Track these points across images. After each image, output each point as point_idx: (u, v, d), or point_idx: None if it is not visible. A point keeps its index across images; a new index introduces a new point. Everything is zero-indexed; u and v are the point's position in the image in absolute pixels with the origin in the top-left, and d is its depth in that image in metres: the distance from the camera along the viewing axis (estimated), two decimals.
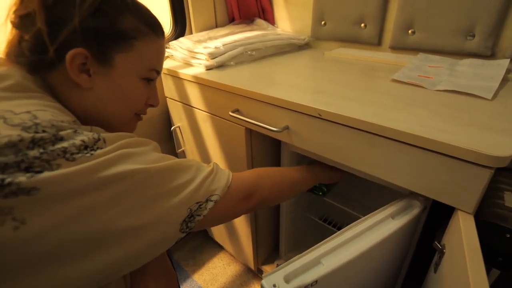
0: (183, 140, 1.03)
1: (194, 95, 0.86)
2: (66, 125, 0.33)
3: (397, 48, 0.89)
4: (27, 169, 0.28)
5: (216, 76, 0.78)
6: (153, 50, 0.45)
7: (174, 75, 0.90)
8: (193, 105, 0.89)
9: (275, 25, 1.17)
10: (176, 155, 1.13)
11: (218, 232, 1.18)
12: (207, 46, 0.87)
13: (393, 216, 0.56)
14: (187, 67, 0.89)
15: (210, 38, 0.97)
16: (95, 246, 0.30)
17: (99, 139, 0.34)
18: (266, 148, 0.86)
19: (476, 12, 0.72)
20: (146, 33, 0.43)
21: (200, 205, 0.40)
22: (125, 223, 0.32)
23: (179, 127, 1.01)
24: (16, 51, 0.39)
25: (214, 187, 0.43)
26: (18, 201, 0.26)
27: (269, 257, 1.12)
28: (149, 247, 0.35)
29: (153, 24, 0.44)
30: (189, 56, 0.90)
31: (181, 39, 0.98)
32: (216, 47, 0.85)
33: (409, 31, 0.84)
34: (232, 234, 1.08)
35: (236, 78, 0.76)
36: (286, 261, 0.47)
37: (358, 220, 0.53)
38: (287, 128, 0.65)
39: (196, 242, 1.30)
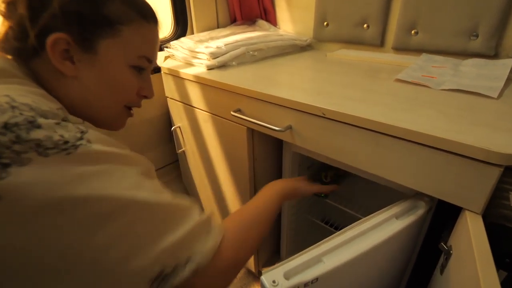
0: (184, 141, 1.02)
1: (195, 95, 0.85)
2: (49, 112, 0.30)
3: (400, 49, 0.89)
4: None
5: (217, 76, 0.77)
6: (143, 36, 0.42)
7: (175, 75, 0.89)
8: (194, 105, 0.88)
9: (277, 27, 1.17)
10: (176, 155, 1.12)
11: None
12: (208, 46, 0.86)
13: (397, 216, 0.55)
14: (188, 67, 0.88)
15: (212, 38, 0.96)
16: (44, 278, 0.26)
17: (82, 138, 0.30)
18: (268, 149, 0.85)
19: (479, 12, 0.72)
20: (134, 18, 0.41)
21: (176, 267, 0.32)
22: (89, 255, 0.27)
23: (179, 127, 1.00)
24: (3, 39, 0.38)
25: (196, 249, 0.34)
26: None
27: (270, 260, 1.11)
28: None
29: (143, 9, 0.42)
30: (190, 56, 0.90)
31: (182, 39, 0.97)
32: (217, 47, 0.85)
33: (412, 32, 0.84)
34: None
35: (238, 78, 0.76)
36: (287, 259, 0.46)
37: (361, 220, 0.53)
38: (290, 127, 0.64)
39: None
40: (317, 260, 0.47)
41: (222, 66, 0.86)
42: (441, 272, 0.52)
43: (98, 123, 0.43)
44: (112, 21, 0.39)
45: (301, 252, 0.47)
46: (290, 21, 1.12)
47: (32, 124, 0.27)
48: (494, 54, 0.74)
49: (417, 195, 0.57)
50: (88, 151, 0.29)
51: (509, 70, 0.66)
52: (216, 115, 0.82)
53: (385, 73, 0.76)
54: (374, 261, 0.54)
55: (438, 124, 0.47)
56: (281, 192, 0.57)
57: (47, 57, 0.37)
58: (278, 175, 0.90)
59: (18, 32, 0.37)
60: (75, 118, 0.35)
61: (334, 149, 0.59)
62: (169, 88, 0.96)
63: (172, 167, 1.19)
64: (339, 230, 0.52)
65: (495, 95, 0.57)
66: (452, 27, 0.77)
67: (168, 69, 0.91)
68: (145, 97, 0.48)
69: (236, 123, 0.77)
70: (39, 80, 0.38)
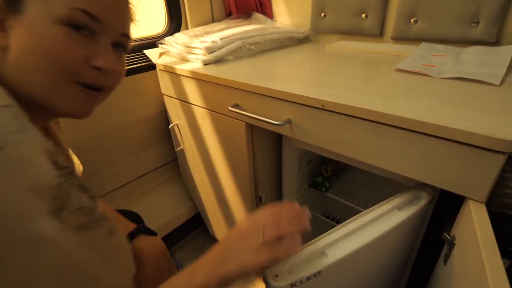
0: (182, 138, 1.01)
1: (192, 91, 0.84)
2: None
3: (399, 38, 0.87)
4: None
5: (214, 71, 0.76)
6: None
7: (170, 71, 0.88)
8: (191, 101, 0.87)
9: (274, 19, 1.15)
10: (175, 153, 1.11)
11: (220, 231, 1.16)
12: (204, 41, 0.84)
13: (399, 207, 0.54)
14: (184, 63, 0.86)
15: (207, 33, 0.94)
16: None
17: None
18: (267, 145, 0.84)
19: None
20: None
21: None
22: None
23: (177, 125, 0.98)
24: None
25: None
26: None
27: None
28: None
29: None
30: (185, 52, 0.88)
31: (176, 34, 0.95)
32: (213, 41, 0.83)
33: (412, 21, 0.82)
34: None
35: (235, 72, 0.74)
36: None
37: (363, 212, 0.52)
38: (289, 121, 0.63)
39: (198, 242, 1.28)
40: (319, 253, 0.46)
41: (218, 61, 0.84)
42: (445, 262, 0.52)
43: (49, 109, 0.36)
44: None
45: (303, 246, 0.46)
46: (287, 13, 1.10)
47: None
48: (495, 41, 0.73)
49: (419, 186, 0.56)
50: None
51: (511, 57, 0.64)
52: (213, 111, 0.81)
53: (385, 64, 0.74)
54: (376, 252, 0.54)
55: (440, 113, 0.46)
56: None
57: None
58: (278, 170, 0.89)
59: None
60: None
61: (334, 142, 0.58)
62: (165, 85, 0.94)
63: (171, 166, 1.18)
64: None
65: (497, 82, 0.56)
66: (453, 15, 0.75)
67: (164, 65, 0.89)
68: (98, 68, 0.36)
69: (235, 118, 0.75)
70: None
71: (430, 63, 0.69)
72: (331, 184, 0.94)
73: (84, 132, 0.87)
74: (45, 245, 0.25)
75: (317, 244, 0.46)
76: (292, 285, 0.41)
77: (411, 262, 0.71)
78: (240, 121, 0.74)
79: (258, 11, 1.16)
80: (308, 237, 0.48)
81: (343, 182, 1.01)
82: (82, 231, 0.29)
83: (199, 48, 0.83)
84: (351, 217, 0.51)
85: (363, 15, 0.91)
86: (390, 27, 0.88)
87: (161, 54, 0.98)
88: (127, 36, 0.40)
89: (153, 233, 0.54)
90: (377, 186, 0.97)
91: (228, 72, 0.74)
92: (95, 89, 0.37)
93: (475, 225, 0.41)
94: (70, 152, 0.53)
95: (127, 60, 0.92)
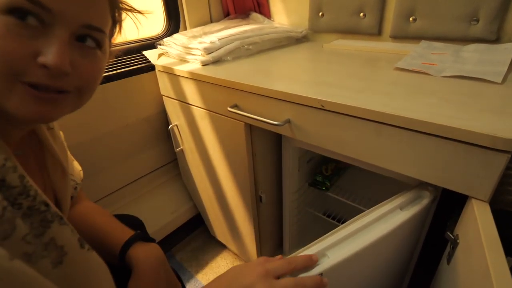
0: (181, 139, 1.00)
1: (191, 92, 0.84)
2: None
3: (398, 37, 0.87)
4: None
5: (212, 72, 0.75)
6: None
7: (169, 72, 0.87)
8: (190, 102, 0.86)
9: (271, 19, 1.14)
10: (174, 154, 1.10)
11: (221, 231, 1.16)
12: (202, 41, 0.84)
13: (401, 207, 0.54)
14: (183, 64, 0.86)
15: (205, 33, 0.94)
16: None
17: None
18: (267, 144, 0.83)
19: None
20: None
21: None
22: None
23: (176, 125, 0.98)
24: None
25: None
26: None
27: (273, 255, 1.09)
28: None
29: None
30: (184, 52, 0.88)
31: (175, 35, 0.95)
32: (211, 42, 0.83)
33: (410, 19, 0.82)
34: (235, 232, 1.06)
35: (233, 72, 0.74)
36: (290, 254, 0.45)
37: (365, 212, 0.52)
38: (288, 121, 0.62)
39: (199, 243, 1.28)
40: (321, 254, 0.46)
41: (217, 61, 0.84)
42: (448, 261, 0.51)
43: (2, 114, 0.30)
44: None
45: (305, 247, 0.46)
46: (284, 13, 1.10)
47: None
48: (495, 38, 0.72)
49: (421, 185, 0.56)
50: None
51: (511, 55, 0.64)
52: (213, 112, 0.80)
53: (384, 62, 0.74)
54: (379, 253, 0.53)
55: (441, 112, 0.45)
56: None
57: None
58: (278, 170, 0.89)
59: None
60: None
61: (334, 142, 0.57)
62: (164, 86, 0.94)
63: (171, 166, 1.18)
64: (341, 223, 0.51)
65: (499, 80, 0.55)
66: (452, 12, 0.75)
67: (163, 66, 0.89)
68: (44, 66, 0.29)
69: (234, 119, 0.75)
70: None
71: (430, 61, 0.69)
72: (331, 183, 0.94)
73: (83, 134, 0.86)
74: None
75: (319, 246, 0.46)
76: None
77: (413, 262, 0.70)
78: (239, 122, 0.74)
79: (255, 11, 1.15)
80: (310, 237, 0.47)
81: (344, 181, 1.00)
82: (30, 261, 0.25)
83: (197, 49, 0.83)
84: (353, 216, 0.51)
85: (361, 14, 0.90)
86: (389, 25, 0.88)
87: (160, 55, 0.97)
88: (94, 28, 0.32)
89: (151, 240, 0.53)
90: (378, 184, 0.97)
91: (227, 73, 0.74)
92: (51, 90, 0.31)
93: (478, 225, 0.40)
94: (71, 158, 0.53)
95: (126, 61, 0.93)
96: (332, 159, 1.00)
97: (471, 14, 0.72)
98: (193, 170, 1.06)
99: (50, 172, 0.43)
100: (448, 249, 0.53)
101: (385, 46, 0.86)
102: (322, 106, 0.54)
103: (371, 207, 0.53)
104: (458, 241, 0.48)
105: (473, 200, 0.45)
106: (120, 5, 0.37)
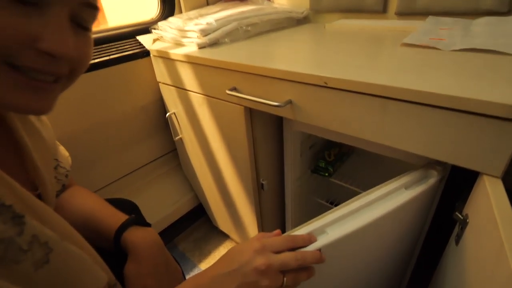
0: (180, 127, 0.98)
1: (188, 77, 0.81)
2: None
3: (404, 13, 0.83)
4: None
5: (209, 54, 0.72)
6: None
7: (165, 57, 0.84)
8: (187, 88, 0.83)
9: (271, 0, 1.10)
10: (173, 144, 1.08)
11: (223, 221, 1.14)
12: (198, 23, 0.80)
13: (406, 186, 0.51)
14: (178, 48, 0.83)
15: (202, 16, 0.90)
16: None
17: None
18: (268, 129, 0.80)
19: None
20: None
21: None
22: None
23: (174, 113, 0.95)
24: None
25: None
26: None
27: None
28: None
29: None
30: (179, 36, 0.84)
31: (170, 18, 0.91)
32: (208, 23, 0.79)
33: None
34: (237, 222, 1.04)
35: (231, 54, 0.70)
36: (290, 230, 0.44)
37: (369, 190, 0.50)
38: (290, 102, 0.59)
39: (201, 233, 1.27)
40: (320, 231, 0.44)
41: (214, 44, 0.80)
42: (457, 242, 0.49)
43: None
44: None
45: (305, 223, 0.45)
46: None
47: None
48: (508, 10, 0.68)
49: (428, 165, 0.53)
50: None
51: None
52: (211, 97, 0.77)
53: (390, 39, 0.70)
54: (381, 232, 0.52)
55: (452, 83, 0.42)
56: None
57: None
58: (280, 157, 0.86)
59: None
60: None
61: (338, 121, 0.55)
62: (160, 72, 0.91)
63: (171, 156, 1.15)
64: None
65: None
66: None
67: (157, 51, 0.86)
68: (47, 53, 0.26)
69: (233, 103, 0.72)
70: None
71: (438, 36, 0.65)
72: (334, 169, 0.91)
73: (77, 123, 0.84)
74: None
75: (319, 222, 0.44)
76: None
77: (420, 244, 0.68)
78: (238, 105, 0.71)
79: None
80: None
81: (347, 167, 0.98)
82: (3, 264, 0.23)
83: (193, 31, 0.79)
84: None
85: None
86: (394, 2, 0.83)
87: (154, 40, 0.94)
88: (91, 5, 0.29)
89: (146, 224, 0.51)
90: (383, 170, 0.94)
91: (224, 55, 0.70)
92: (46, 78, 0.28)
93: (491, 201, 0.38)
94: (57, 143, 0.50)
95: (119, 47, 0.90)
96: (335, 144, 0.97)
97: None
98: (193, 159, 1.03)
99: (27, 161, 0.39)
100: (456, 230, 0.51)
101: (390, 23, 0.82)
102: (325, 83, 0.51)
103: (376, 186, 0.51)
104: (467, 220, 0.46)
105: (485, 177, 0.42)
106: None
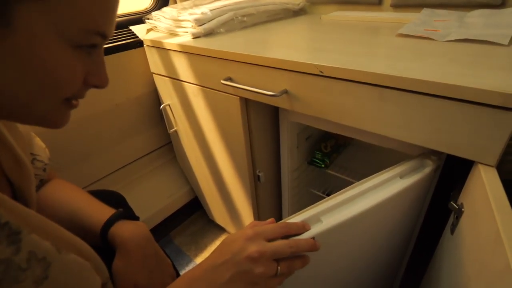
0: (175, 119, 0.97)
1: (182, 67, 0.80)
2: None
3: (399, 5, 0.83)
4: None
5: (204, 44, 0.71)
6: None
7: (159, 47, 0.83)
8: (181, 78, 0.82)
9: None
10: (168, 136, 1.07)
11: (219, 214, 1.14)
12: (193, 13, 0.79)
13: (401, 175, 0.52)
14: (173, 37, 0.81)
15: (196, 5, 0.89)
16: None
17: None
18: (264, 120, 0.80)
19: None
20: None
21: None
22: None
23: (169, 105, 0.94)
24: None
25: None
26: None
27: None
28: None
29: None
30: (173, 26, 0.83)
31: (164, 8, 0.90)
32: (203, 13, 0.78)
33: None
34: (234, 215, 1.04)
35: (226, 44, 0.70)
36: (284, 218, 0.45)
37: (364, 179, 0.50)
38: (285, 92, 0.59)
39: (197, 227, 1.27)
40: (315, 219, 0.45)
41: (209, 34, 0.79)
42: (452, 231, 0.50)
43: (24, 121, 0.32)
44: None
45: (299, 212, 0.45)
46: None
47: None
48: (501, 3, 0.69)
49: (423, 154, 0.54)
50: None
51: None
52: (206, 87, 0.77)
53: (386, 30, 0.70)
54: (376, 221, 0.52)
55: (448, 71, 0.43)
56: None
57: None
58: (276, 148, 0.86)
59: None
60: None
61: (334, 111, 0.55)
62: (154, 63, 0.89)
63: (166, 149, 1.15)
64: None
65: (506, 42, 0.52)
66: None
67: (151, 41, 0.85)
68: (95, 86, 0.33)
69: (228, 93, 0.72)
70: None
71: (433, 27, 0.65)
72: (331, 161, 0.92)
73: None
74: None
75: (313, 210, 0.45)
76: None
77: (416, 233, 0.69)
78: (234, 96, 0.71)
79: None
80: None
81: (344, 159, 0.98)
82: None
83: (188, 20, 0.78)
84: None
85: None
86: None
87: (148, 30, 0.92)
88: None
89: (135, 218, 0.50)
90: (379, 161, 0.95)
91: (219, 44, 0.70)
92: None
93: (486, 190, 0.39)
94: (33, 135, 0.47)
95: (112, 37, 0.88)
96: (332, 135, 0.97)
97: None
98: (188, 151, 1.03)
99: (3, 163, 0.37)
100: (451, 219, 0.52)
101: (386, 15, 0.82)
102: (321, 72, 0.51)
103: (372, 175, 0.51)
104: (462, 209, 0.47)
105: (480, 166, 0.43)
106: None
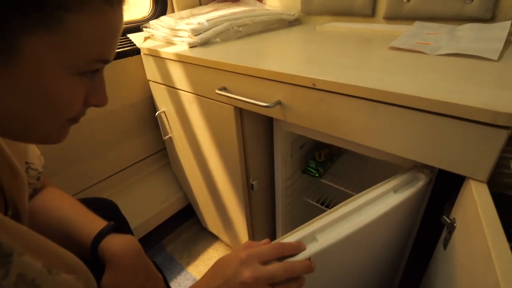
0: (170, 126, 0.97)
1: (178, 76, 0.80)
2: None
3: (392, 18, 0.84)
4: None
5: (200, 53, 0.72)
6: (102, 29, 0.28)
7: (155, 55, 0.83)
8: (177, 86, 0.83)
9: (263, 2, 1.10)
10: (163, 143, 1.07)
11: (212, 222, 1.14)
12: (189, 23, 0.80)
13: (395, 189, 0.52)
14: (169, 46, 0.82)
15: (194, 15, 0.90)
16: None
17: None
18: (258, 129, 0.80)
19: None
20: (90, 0, 0.26)
21: None
22: None
23: (164, 112, 0.94)
24: None
25: None
26: None
27: None
28: None
29: None
30: (170, 35, 0.84)
31: (162, 17, 0.90)
32: (199, 23, 0.79)
33: None
34: (227, 222, 1.04)
35: (221, 54, 0.70)
36: (279, 238, 0.44)
37: (358, 194, 0.50)
38: (279, 103, 0.59)
39: (190, 234, 1.25)
40: (311, 238, 0.44)
41: (205, 43, 0.80)
42: (445, 246, 0.50)
43: (25, 140, 0.33)
44: (48, 4, 0.24)
45: (294, 230, 0.44)
46: None
47: None
48: (490, 17, 0.70)
49: (416, 168, 0.54)
50: None
51: (507, 32, 0.62)
52: (201, 96, 0.77)
53: (378, 42, 0.72)
54: (371, 237, 0.52)
55: (438, 87, 0.43)
56: None
57: None
58: (270, 157, 0.86)
59: None
60: None
61: (326, 123, 0.55)
62: (151, 70, 0.90)
63: (160, 155, 1.14)
64: None
65: (495, 57, 0.53)
66: None
67: (148, 49, 0.85)
68: (95, 106, 0.34)
69: (223, 102, 0.72)
70: None
71: (425, 40, 0.67)
72: (325, 170, 0.92)
73: None
74: None
75: (308, 229, 0.44)
76: None
77: (409, 247, 0.69)
78: (228, 105, 0.71)
79: None
80: (303, 224, 0.45)
81: (338, 168, 0.99)
82: None
83: (184, 30, 0.79)
84: None
85: None
86: (382, 6, 0.85)
87: (146, 38, 0.93)
88: None
89: (126, 231, 0.48)
90: (373, 171, 0.95)
91: (215, 54, 0.70)
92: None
93: (477, 206, 0.39)
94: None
95: None
96: (325, 145, 0.98)
97: None
98: (182, 158, 1.02)
99: None
100: (444, 233, 0.52)
101: (379, 27, 0.83)
102: (314, 85, 0.52)
103: (366, 190, 0.51)
104: (455, 225, 0.47)
105: (471, 181, 0.43)
106: None
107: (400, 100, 0.44)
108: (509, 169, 0.53)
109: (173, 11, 1.03)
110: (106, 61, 0.31)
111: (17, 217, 0.39)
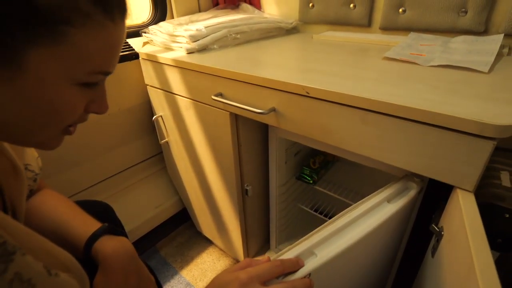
0: (166, 131, 0.97)
1: (175, 81, 0.81)
2: None
3: (387, 28, 0.86)
4: None
5: (197, 59, 0.73)
6: (103, 43, 0.29)
7: (154, 60, 0.84)
8: (174, 91, 0.83)
9: (262, 10, 1.12)
10: (159, 147, 1.07)
11: (207, 226, 1.14)
12: (188, 29, 0.81)
13: (389, 199, 0.52)
14: (167, 52, 0.83)
15: (192, 22, 0.91)
16: None
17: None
18: (253, 135, 0.81)
19: None
20: (91, 15, 0.27)
21: None
22: None
23: (161, 116, 0.95)
24: None
25: None
26: None
27: (260, 250, 1.09)
28: None
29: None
30: (169, 40, 0.85)
31: (161, 23, 0.92)
32: (197, 30, 0.80)
33: (400, 10, 0.81)
34: (221, 227, 1.04)
35: (219, 60, 0.71)
36: (276, 253, 0.43)
37: (353, 205, 0.50)
38: (273, 110, 0.60)
39: (184, 238, 1.25)
40: (309, 253, 0.43)
41: (203, 49, 0.81)
42: (433, 254, 0.50)
43: (24, 145, 0.35)
44: (52, 19, 0.25)
45: (291, 246, 0.43)
46: (275, 4, 1.07)
47: None
48: (483, 30, 0.72)
49: (407, 176, 0.55)
50: None
51: (499, 45, 0.63)
52: (197, 101, 0.78)
53: (373, 52, 0.73)
54: (367, 247, 0.52)
55: (428, 98, 0.44)
56: None
57: None
58: (265, 163, 0.87)
59: None
60: None
61: (319, 130, 0.56)
62: (149, 75, 0.91)
63: (157, 159, 1.14)
64: (329, 218, 0.49)
65: (486, 69, 0.54)
66: (441, 4, 0.74)
67: (146, 54, 0.86)
68: (95, 113, 0.35)
69: (219, 108, 0.73)
70: None
71: (418, 51, 0.68)
72: (319, 177, 0.93)
73: None
74: None
75: (306, 243, 0.43)
76: None
77: (399, 256, 0.69)
78: (224, 111, 0.72)
79: (245, 2, 1.13)
80: (297, 231, 0.45)
81: (332, 175, 0.99)
82: None
83: (183, 36, 0.80)
84: (341, 210, 0.49)
85: (351, 5, 0.89)
86: (378, 17, 0.87)
87: (144, 43, 0.94)
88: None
89: (121, 233, 0.49)
90: (367, 178, 0.96)
91: (212, 60, 0.71)
92: None
93: (463, 215, 0.39)
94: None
95: None
96: (320, 152, 0.98)
97: (459, 5, 0.72)
98: (178, 163, 1.03)
99: None
100: (432, 241, 0.52)
101: (374, 37, 0.85)
102: (307, 93, 0.53)
103: (359, 201, 0.51)
104: (442, 233, 0.47)
105: (458, 191, 0.44)
106: None
107: (389, 110, 0.45)
108: (500, 180, 0.54)
109: (172, 17, 1.04)
110: (107, 73, 0.32)
111: (15, 217, 0.40)
